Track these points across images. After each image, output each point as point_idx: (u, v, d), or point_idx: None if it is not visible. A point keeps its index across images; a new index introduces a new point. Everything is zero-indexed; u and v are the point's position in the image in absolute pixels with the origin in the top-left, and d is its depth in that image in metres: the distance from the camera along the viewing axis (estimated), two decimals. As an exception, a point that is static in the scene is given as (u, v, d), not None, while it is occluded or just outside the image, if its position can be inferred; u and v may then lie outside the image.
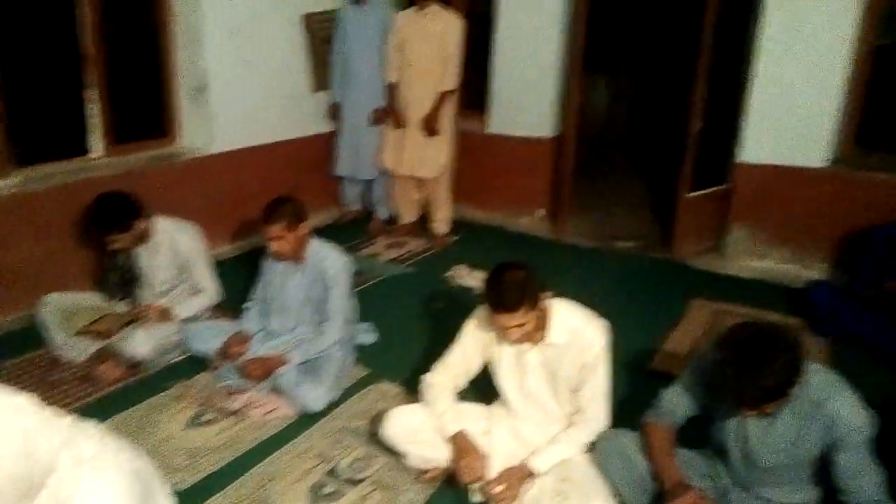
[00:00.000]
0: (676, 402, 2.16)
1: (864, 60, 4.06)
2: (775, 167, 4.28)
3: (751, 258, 4.50)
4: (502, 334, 2.20)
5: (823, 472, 1.97)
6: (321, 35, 4.87)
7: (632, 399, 2.82)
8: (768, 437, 1.96)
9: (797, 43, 4.08)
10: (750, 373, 1.74)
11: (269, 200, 2.87)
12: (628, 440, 2.21)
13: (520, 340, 2.20)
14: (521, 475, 2.24)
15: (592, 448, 2.29)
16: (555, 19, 4.79)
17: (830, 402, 1.85)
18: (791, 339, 1.82)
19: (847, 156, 4.19)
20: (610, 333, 2.29)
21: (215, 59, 4.24)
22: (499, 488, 2.19)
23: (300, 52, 4.82)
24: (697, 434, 2.21)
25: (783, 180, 4.27)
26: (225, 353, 3.00)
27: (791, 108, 4.16)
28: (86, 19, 3.77)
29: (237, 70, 4.39)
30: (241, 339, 3.03)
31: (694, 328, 3.66)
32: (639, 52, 7.99)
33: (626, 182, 6.55)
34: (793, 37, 4.08)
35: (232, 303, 3.45)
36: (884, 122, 4.37)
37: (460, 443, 2.31)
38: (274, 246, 2.86)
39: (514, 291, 2.08)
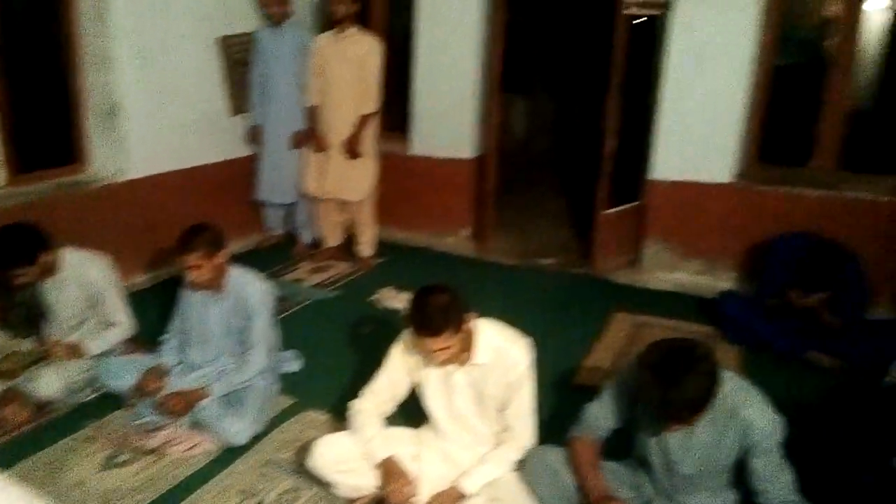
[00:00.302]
0: (600, 417, 2.21)
1: (763, 81, 4.31)
2: (684, 183, 4.48)
3: (665, 271, 4.68)
4: (428, 357, 2.21)
5: (739, 475, 2.06)
6: (238, 57, 4.79)
7: (559, 414, 2.87)
8: (689, 446, 2.03)
9: (700, 65, 4.29)
10: (673, 388, 1.81)
11: (186, 227, 2.79)
12: (555, 456, 2.25)
13: (446, 363, 2.21)
14: (452, 498, 2.25)
15: (521, 466, 2.31)
16: (473, 41, 4.88)
17: (744, 409, 1.95)
18: (706, 351, 1.90)
19: (750, 171, 4.43)
20: (533, 351, 2.33)
21: (127, 82, 4.11)
22: None
23: (217, 75, 4.73)
24: (622, 445, 2.27)
25: (692, 195, 4.47)
26: (141, 389, 2.87)
27: (697, 126, 4.37)
28: (-17, 42, 3.59)
29: (150, 94, 4.26)
30: (159, 373, 2.91)
31: (616, 341, 3.77)
32: (556, 74, 8.24)
33: (548, 200, 6.70)
34: (696, 59, 4.29)
35: (148, 335, 3.31)
36: (783, 138, 4.66)
37: (389, 468, 2.29)
38: (191, 275, 2.78)
39: (439, 315, 2.09)
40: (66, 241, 3.11)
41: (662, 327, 3.92)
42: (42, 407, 2.92)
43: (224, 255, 2.83)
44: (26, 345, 3.16)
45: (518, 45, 5.93)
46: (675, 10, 4.30)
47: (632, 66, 4.47)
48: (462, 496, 2.24)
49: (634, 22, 4.39)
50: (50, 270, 3.00)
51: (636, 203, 4.75)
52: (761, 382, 2.04)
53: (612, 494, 2.07)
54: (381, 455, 2.32)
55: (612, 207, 4.68)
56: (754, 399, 1.97)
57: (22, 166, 3.89)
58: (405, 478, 2.27)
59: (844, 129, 4.25)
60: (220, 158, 4.85)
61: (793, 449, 2.00)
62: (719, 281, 4.45)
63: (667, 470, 2.12)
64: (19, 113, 3.80)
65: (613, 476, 2.21)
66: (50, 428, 2.86)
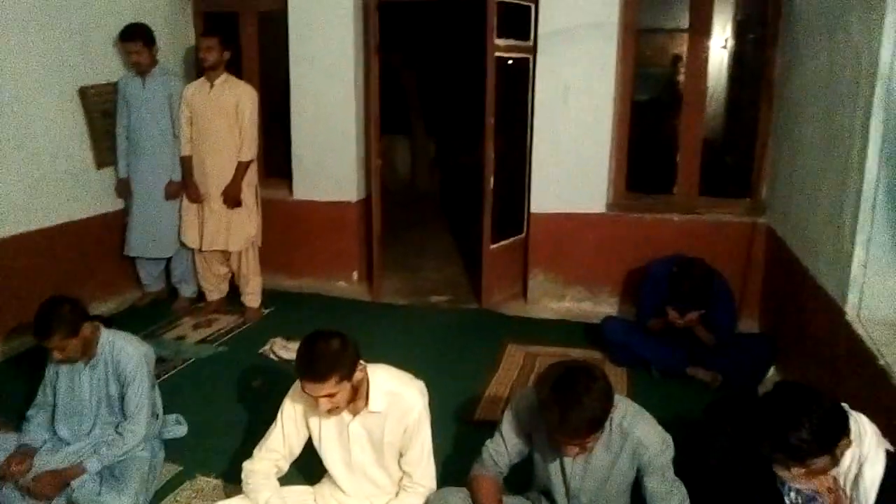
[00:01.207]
0: (498, 452, 2.23)
1: (625, 115, 4.61)
2: (562, 215, 4.68)
3: (552, 300, 4.84)
4: (314, 405, 2.13)
5: (636, 498, 2.13)
6: (101, 108, 4.56)
7: (461, 451, 2.87)
8: (587, 472, 2.08)
9: (566, 102, 4.53)
10: (572, 408, 1.85)
11: (40, 306, 2.56)
12: (456, 498, 2.22)
13: (332, 412, 2.14)
14: None
15: (423, 511, 2.28)
16: (349, 84, 4.91)
17: (635, 430, 2.03)
18: (599, 372, 1.97)
19: (621, 200, 4.69)
20: (426, 393, 2.31)
21: (-24, 140, 3.81)
22: None
23: (79, 128, 4.47)
24: (523, 478, 2.29)
25: (570, 226, 4.68)
26: (4, 472, 2.60)
27: (569, 160, 4.60)
28: None
29: (5, 149, 3.97)
30: (24, 454, 2.64)
31: (510, 372, 3.84)
32: (436, 114, 8.44)
33: (436, 238, 6.78)
34: (562, 97, 4.53)
35: (9, 413, 3.02)
36: (649, 168, 4.98)
37: (287, 529, 2.19)
38: (58, 356, 2.59)
39: (324, 360, 2.04)
40: None
41: (553, 355, 4.02)
42: None
43: (89, 327, 2.64)
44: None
45: (396, 86, 6.04)
46: (540, 52, 4.54)
47: (509, 105, 4.65)
48: None
49: (508, 62, 4.58)
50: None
51: (520, 236, 4.90)
52: (647, 400, 2.14)
53: None
54: (278, 518, 2.21)
55: (497, 242, 4.80)
56: (644, 419, 2.06)
57: None
58: None
59: (701, 158, 4.60)
60: (88, 214, 4.57)
61: (682, 465, 2.09)
62: (602, 306, 4.66)
63: (568, 496, 2.15)
64: None
65: (515, 509, 2.23)
66: None
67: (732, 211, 4.48)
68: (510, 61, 4.60)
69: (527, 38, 4.63)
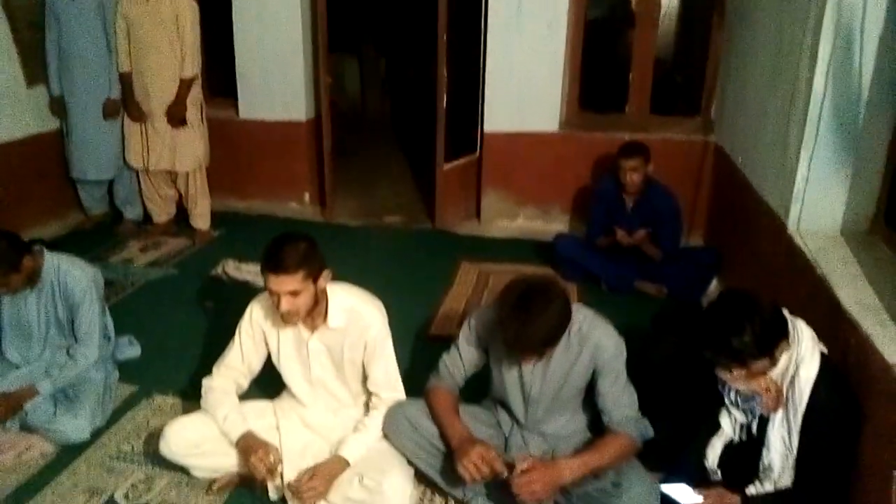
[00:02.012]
0: (455, 365, 2.28)
1: (578, 34, 4.55)
2: (515, 133, 4.66)
3: (504, 219, 4.88)
4: (275, 304, 2.12)
5: (588, 400, 2.23)
6: (28, 19, 4.26)
7: (418, 367, 2.92)
8: (546, 378, 2.16)
9: (519, 21, 4.43)
10: (529, 324, 1.91)
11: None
12: (415, 408, 2.28)
13: (290, 316, 2.12)
14: (335, 469, 2.18)
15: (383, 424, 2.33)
16: (296, -2, 4.70)
17: (594, 333, 2.11)
18: (558, 287, 2.03)
19: (573, 119, 4.70)
20: (385, 313, 2.32)
21: None
22: (309, 482, 2.13)
23: (5, 41, 4.18)
24: (480, 389, 2.37)
25: (523, 145, 4.68)
26: (-47, 397, 2.56)
27: (522, 79, 4.54)
28: None
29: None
30: (-28, 378, 2.60)
31: (463, 290, 3.90)
32: (386, 33, 8.17)
33: (388, 159, 6.70)
34: (515, 14, 4.43)
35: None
36: (601, 87, 4.97)
37: (248, 443, 2.21)
38: (2, 291, 2.54)
39: (293, 254, 2.03)
40: None
41: (506, 272, 4.10)
42: None
43: (30, 259, 2.55)
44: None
45: (344, 2, 5.80)
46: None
47: (462, 23, 4.53)
48: (346, 465, 2.20)
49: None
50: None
51: (473, 156, 4.88)
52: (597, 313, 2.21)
53: (472, 437, 2.13)
54: (239, 431, 2.24)
55: (450, 162, 4.77)
56: (601, 324, 2.14)
57: None
58: (265, 447, 2.20)
59: (652, 77, 4.61)
60: (22, 135, 4.34)
61: (630, 373, 2.18)
62: (553, 224, 4.73)
63: (526, 403, 2.23)
64: None
65: (472, 418, 2.30)
66: None
67: (682, 129, 4.53)
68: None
69: (480, -48, 4.47)
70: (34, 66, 4.32)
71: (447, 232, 4.83)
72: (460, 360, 2.28)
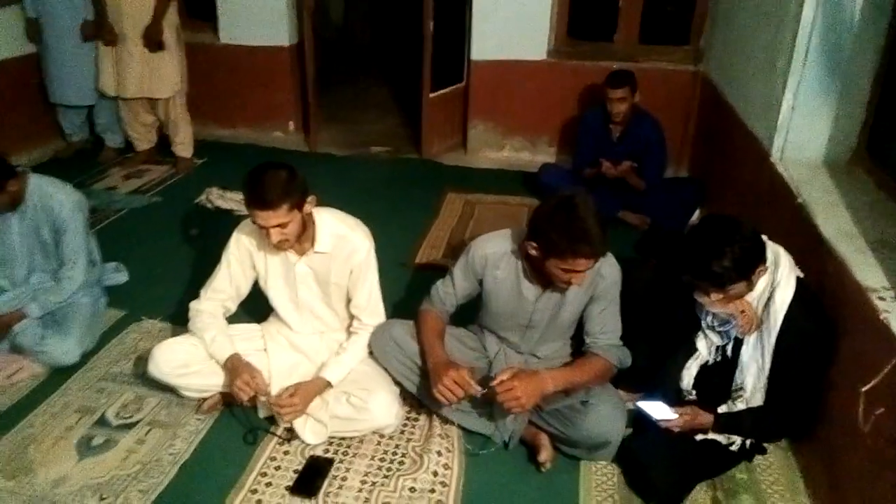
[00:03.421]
0: (447, 293, 2.31)
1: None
2: (503, 62, 4.59)
3: (491, 150, 4.86)
4: (264, 236, 2.14)
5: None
6: (-3, -65, 4.08)
7: (401, 294, 2.98)
8: (563, 304, 2.19)
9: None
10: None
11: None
12: (400, 329, 2.33)
13: (282, 244, 2.15)
14: (315, 388, 2.24)
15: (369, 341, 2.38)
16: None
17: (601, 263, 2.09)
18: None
19: (562, 47, 4.62)
20: (371, 239, 2.33)
21: None
22: (289, 399, 2.19)
23: (-27, -43, 4.02)
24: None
25: (510, 74, 4.61)
26: (-60, 320, 2.57)
27: (511, 6, 4.44)
28: None
29: None
30: (-42, 301, 2.61)
31: (449, 220, 3.92)
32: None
33: (373, 89, 6.59)
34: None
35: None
36: (590, 15, 4.87)
37: (234, 365, 2.25)
38: None
39: (276, 188, 2.02)
40: None
41: (492, 202, 4.12)
42: None
43: (14, 182, 2.51)
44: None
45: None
46: None
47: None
48: (327, 386, 2.26)
49: None
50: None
51: (459, 85, 4.81)
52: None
53: (448, 360, 2.16)
54: (226, 353, 2.28)
55: (436, 91, 4.70)
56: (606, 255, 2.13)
57: None
58: (251, 370, 2.24)
59: (642, 5, 4.51)
60: (-4, 58, 4.22)
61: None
62: (540, 155, 4.72)
63: (525, 328, 2.27)
64: None
65: (457, 340, 2.36)
66: None
67: (671, 59, 4.48)
68: None
69: None
70: (5, -15, 4.17)
71: (433, 162, 4.81)
72: (453, 287, 2.30)
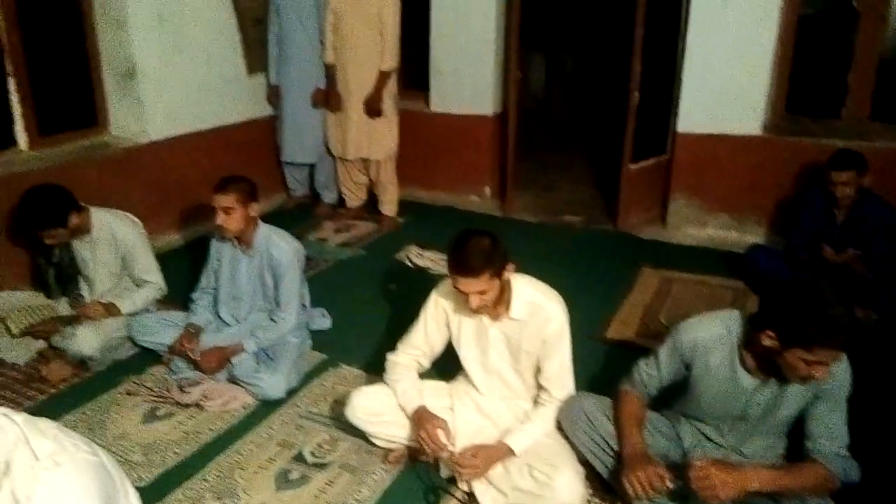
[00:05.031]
0: (650, 375, 2.20)
1: (789, 29, 4.21)
2: (711, 136, 4.41)
3: (693, 226, 4.64)
4: (464, 301, 2.18)
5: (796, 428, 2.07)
6: (253, 15, 4.73)
7: (589, 368, 2.88)
8: (781, 402, 2.01)
9: (724, 14, 4.19)
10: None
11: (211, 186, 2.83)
12: (593, 403, 2.25)
13: (481, 310, 2.18)
14: (497, 453, 2.21)
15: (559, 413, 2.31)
16: (491, -5, 4.78)
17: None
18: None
19: (777, 122, 4.35)
20: (566, 309, 2.29)
21: (142, 43, 4.08)
22: (471, 459, 2.17)
23: (232, 34, 4.67)
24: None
25: (719, 148, 4.41)
26: (177, 348, 2.91)
27: (723, 77, 4.28)
28: None
29: (166, 55, 4.23)
30: (192, 333, 2.95)
31: (644, 297, 3.75)
32: (573, 29, 8.08)
33: (570, 157, 6.63)
34: (721, 8, 4.19)
35: (179, 294, 3.35)
36: (812, 89, 4.56)
37: (421, 417, 2.28)
38: (221, 218, 2.79)
39: (479, 256, 2.07)
40: (95, 204, 3.13)
41: (690, 282, 3.90)
42: (81, 364, 2.97)
43: (255, 208, 2.85)
44: (62, 305, 3.21)
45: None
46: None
47: (655, 15, 4.36)
48: (510, 453, 2.22)
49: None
50: (80, 231, 3.03)
51: (662, 157, 4.68)
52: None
53: (647, 454, 2.04)
54: (414, 404, 2.32)
55: (637, 162, 4.62)
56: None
57: (42, 130, 3.90)
58: (434, 423, 2.25)
59: (875, 79, 4.15)
60: (241, 119, 4.84)
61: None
62: (747, 235, 4.42)
63: (737, 419, 2.09)
64: (38, 76, 3.80)
65: (652, 426, 2.22)
66: (91, 384, 2.92)
67: (908, 138, 4.04)
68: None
69: (685, -59, 4.28)
70: (255, 56, 4.79)
71: (629, 234, 4.69)
72: (658, 371, 2.19)
